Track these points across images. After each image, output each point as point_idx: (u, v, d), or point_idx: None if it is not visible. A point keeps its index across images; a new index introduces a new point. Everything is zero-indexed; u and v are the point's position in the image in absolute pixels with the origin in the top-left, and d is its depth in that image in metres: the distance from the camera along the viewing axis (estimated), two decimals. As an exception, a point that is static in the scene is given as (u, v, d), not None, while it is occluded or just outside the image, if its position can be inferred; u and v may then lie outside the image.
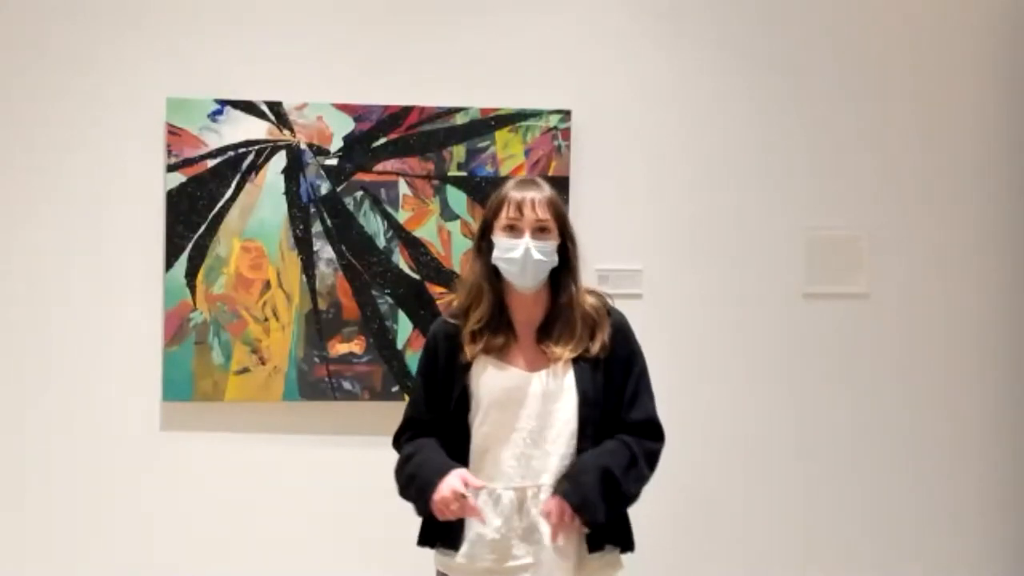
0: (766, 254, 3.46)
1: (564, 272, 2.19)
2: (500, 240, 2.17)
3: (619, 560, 2.22)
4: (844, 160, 3.48)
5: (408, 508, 3.33)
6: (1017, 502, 3.56)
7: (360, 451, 3.29)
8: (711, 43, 3.45)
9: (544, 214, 2.16)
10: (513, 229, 2.16)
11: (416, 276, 3.28)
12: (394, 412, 3.29)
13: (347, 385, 3.25)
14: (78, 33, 3.21)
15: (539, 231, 2.15)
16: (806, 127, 3.47)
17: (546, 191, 2.19)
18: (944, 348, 3.52)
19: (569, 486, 2.11)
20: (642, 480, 2.17)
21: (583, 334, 2.17)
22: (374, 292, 3.26)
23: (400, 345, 3.26)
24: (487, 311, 2.19)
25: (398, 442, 2.33)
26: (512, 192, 2.18)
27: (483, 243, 2.21)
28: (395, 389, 3.26)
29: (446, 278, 3.28)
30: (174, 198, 3.19)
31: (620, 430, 2.18)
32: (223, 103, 3.20)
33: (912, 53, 3.52)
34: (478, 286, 2.20)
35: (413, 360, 3.26)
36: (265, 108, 3.22)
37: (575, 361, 2.17)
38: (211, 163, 3.20)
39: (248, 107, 3.21)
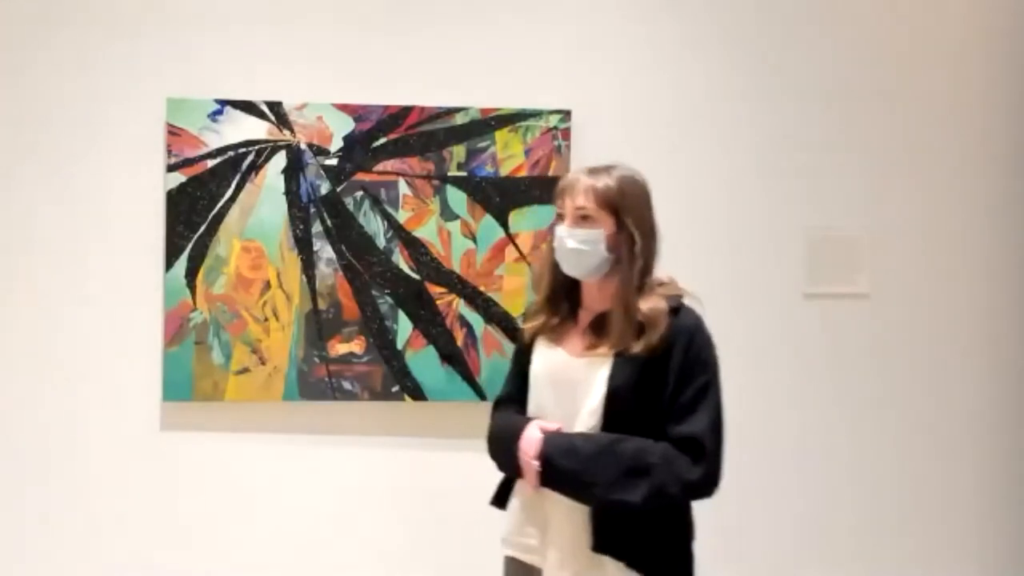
0: (766, 254, 3.46)
1: (620, 266, 2.15)
2: (555, 228, 2.21)
3: None
4: (844, 160, 3.49)
5: (406, 509, 3.35)
6: (1018, 502, 3.55)
7: (360, 451, 3.29)
8: (711, 43, 3.45)
9: (585, 202, 2.13)
10: (561, 217, 2.19)
11: (416, 276, 3.28)
12: (394, 412, 3.32)
13: (347, 385, 3.25)
14: (78, 33, 3.21)
15: (580, 219, 2.14)
16: (806, 127, 3.47)
17: (600, 180, 2.14)
18: (944, 348, 3.52)
19: (559, 437, 2.13)
20: (657, 494, 2.04)
21: (627, 331, 2.11)
22: (374, 292, 3.26)
23: (400, 345, 3.26)
24: (548, 295, 2.24)
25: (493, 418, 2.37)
26: (563, 178, 2.23)
27: (551, 229, 2.25)
28: (395, 389, 3.26)
29: (446, 278, 3.28)
30: (174, 198, 3.19)
31: (665, 440, 2.08)
32: (223, 103, 3.21)
33: (913, 52, 3.52)
34: (541, 270, 2.29)
35: (413, 360, 3.26)
36: (265, 108, 3.22)
37: (619, 356, 2.12)
38: (211, 163, 3.20)
39: (248, 107, 3.21)
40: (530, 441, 2.14)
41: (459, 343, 3.28)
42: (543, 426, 2.16)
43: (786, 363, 3.46)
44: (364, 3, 3.32)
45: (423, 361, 3.26)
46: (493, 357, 3.27)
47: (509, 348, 3.26)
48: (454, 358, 3.27)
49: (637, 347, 2.09)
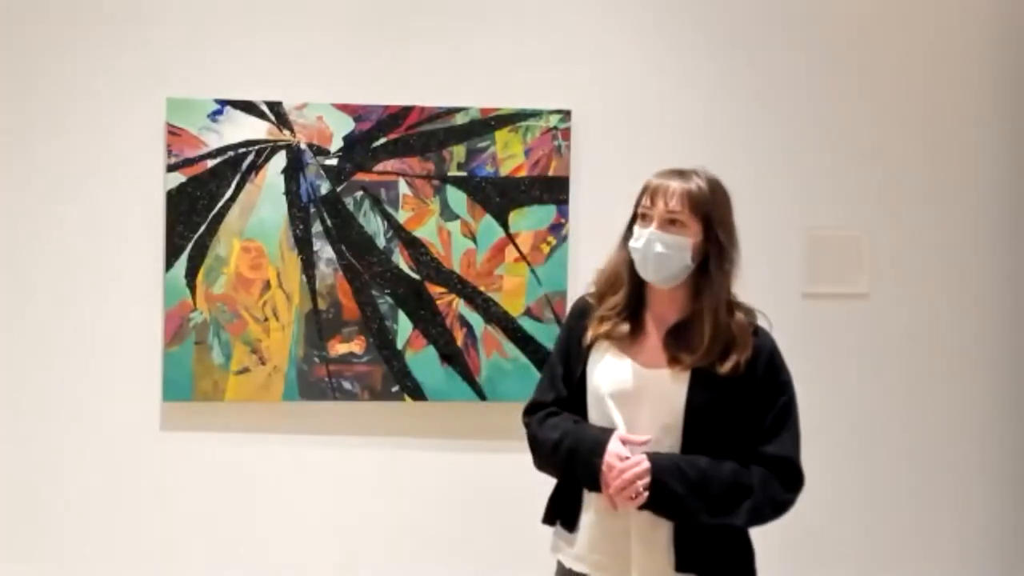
0: (766, 254, 3.45)
1: (706, 276, 2.08)
2: (635, 228, 2.11)
3: None
4: (844, 160, 3.49)
5: (406, 509, 3.35)
6: (1018, 502, 3.56)
7: (360, 451, 3.29)
8: (711, 43, 3.45)
9: (678, 206, 2.06)
10: (645, 218, 2.10)
11: (416, 276, 3.28)
12: (394, 412, 3.32)
13: (347, 385, 3.25)
14: (78, 33, 3.21)
15: (669, 223, 2.07)
16: (806, 127, 3.47)
17: (692, 183, 2.08)
18: (944, 348, 3.52)
19: (662, 457, 2.01)
20: (756, 516, 2.04)
21: (714, 347, 2.05)
22: (374, 292, 3.26)
23: (400, 345, 3.26)
24: (622, 300, 2.12)
25: (529, 416, 2.23)
26: (654, 180, 2.12)
27: (628, 231, 2.14)
28: (395, 389, 3.26)
29: (446, 278, 3.28)
30: (174, 198, 3.19)
31: (752, 460, 2.06)
32: (223, 103, 3.21)
33: (912, 52, 3.52)
34: (616, 273, 2.15)
35: (413, 360, 3.26)
36: (265, 108, 3.22)
37: (698, 372, 2.05)
38: (211, 163, 3.20)
39: (248, 107, 3.21)
40: (620, 457, 2.00)
41: (459, 343, 3.28)
42: (627, 438, 2.04)
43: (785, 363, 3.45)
44: (364, 3, 3.32)
45: (423, 361, 3.26)
46: (493, 357, 3.27)
47: (509, 348, 3.27)
48: (454, 358, 3.27)
49: (725, 366, 2.04)
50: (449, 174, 3.29)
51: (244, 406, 3.23)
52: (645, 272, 2.09)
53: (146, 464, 3.22)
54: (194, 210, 3.19)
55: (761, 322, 2.17)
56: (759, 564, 3.43)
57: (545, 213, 3.30)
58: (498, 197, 3.29)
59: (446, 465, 3.29)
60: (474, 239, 3.29)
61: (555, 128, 3.32)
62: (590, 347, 2.15)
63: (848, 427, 3.48)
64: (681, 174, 2.12)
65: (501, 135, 3.30)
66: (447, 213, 3.28)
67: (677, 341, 2.09)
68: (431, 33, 3.33)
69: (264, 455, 3.26)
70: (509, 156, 3.31)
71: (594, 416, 2.14)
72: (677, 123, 3.42)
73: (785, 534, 3.45)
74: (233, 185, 3.20)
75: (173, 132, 3.19)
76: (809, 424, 3.45)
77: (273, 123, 3.22)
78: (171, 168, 3.19)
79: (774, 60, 3.46)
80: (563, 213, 3.31)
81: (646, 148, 3.41)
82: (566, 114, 3.32)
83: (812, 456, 3.45)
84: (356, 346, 3.25)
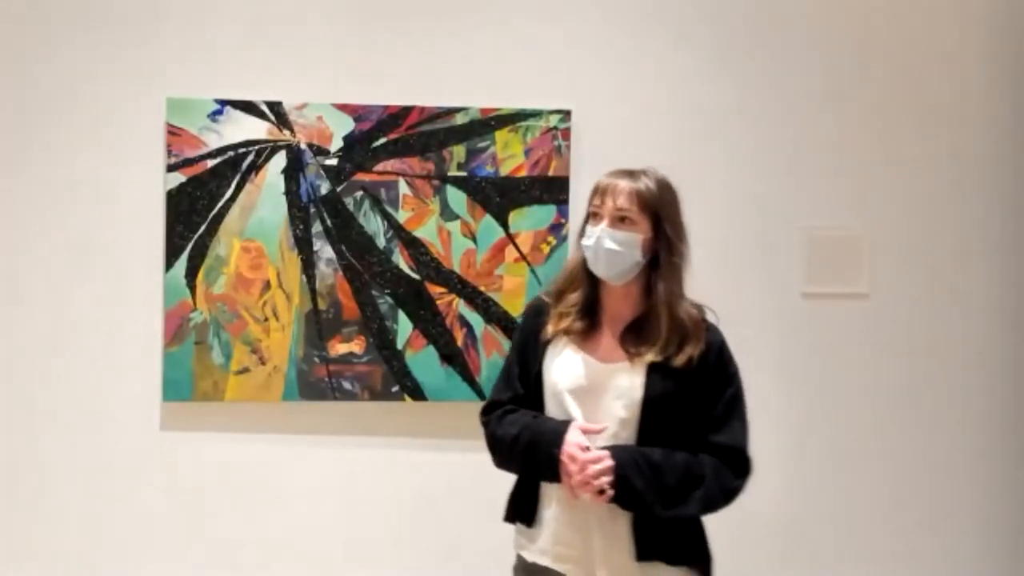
0: (765, 254, 3.46)
1: (657, 272, 2.14)
2: (587, 227, 2.17)
3: None
4: (844, 160, 3.48)
5: (406, 508, 3.35)
6: (1018, 502, 3.56)
7: (360, 451, 3.30)
8: (711, 43, 3.45)
9: (627, 204, 2.13)
10: (596, 216, 2.16)
11: (416, 276, 3.28)
12: (394, 412, 3.32)
13: (347, 385, 3.25)
14: (78, 33, 3.21)
15: (619, 220, 2.13)
16: (806, 126, 3.47)
17: (641, 182, 2.15)
18: (944, 348, 3.52)
19: (623, 451, 2.06)
20: (708, 504, 2.11)
21: (670, 341, 2.12)
22: (374, 292, 3.26)
23: (400, 345, 3.26)
24: (579, 298, 2.18)
25: (487, 415, 2.27)
26: (604, 179, 2.18)
27: (584, 231, 2.21)
28: (395, 389, 3.26)
29: (446, 278, 3.28)
30: (174, 198, 3.19)
31: (702, 451, 2.13)
32: (223, 103, 3.21)
33: (913, 52, 3.52)
34: (573, 272, 2.21)
35: (413, 360, 3.26)
36: (265, 108, 3.22)
37: (653, 366, 2.11)
38: (211, 163, 3.20)
39: (248, 107, 3.21)
40: (581, 447, 2.05)
41: (459, 343, 3.28)
42: (583, 426, 2.09)
43: (785, 363, 3.46)
44: (364, 3, 3.32)
45: (423, 361, 3.26)
46: (493, 357, 3.27)
47: (509, 348, 3.26)
48: (454, 358, 3.27)
49: (679, 359, 2.11)
50: (449, 174, 3.29)
51: (244, 406, 3.23)
52: (597, 268, 2.15)
53: (146, 464, 3.22)
54: (194, 210, 3.19)
55: (709, 317, 2.23)
56: (759, 563, 3.44)
57: (545, 213, 3.30)
58: (498, 197, 3.29)
59: (446, 465, 3.30)
60: (474, 239, 3.29)
61: (555, 128, 3.32)
62: (548, 344, 2.20)
63: (848, 427, 3.48)
64: (630, 174, 2.18)
65: (501, 135, 3.30)
66: (447, 213, 3.28)
67: (634, 336, 2.15)
68: (431, 33, 3.33)
69: (264, 455, 3.26)
70: (509, 156, 3.31)
71: (552, 412, 2.18)
72: (677, 123, 3.42)
73: (783, 533, 3.46)
74: (233, 185, 3.21)
75: (173, 132, 3.19)
76: (809, 424, 3.47)
77: (273, 123, 3.22)
78: (171, 168, 3.19)
79: (774, 60, 3.46)
80: (563, 213, 3.31)
81: (646, 148, 3.39)
82: (566, 114, 3.32)
83: (811, 455, 3.47)
84: (356, 346, 3.25)
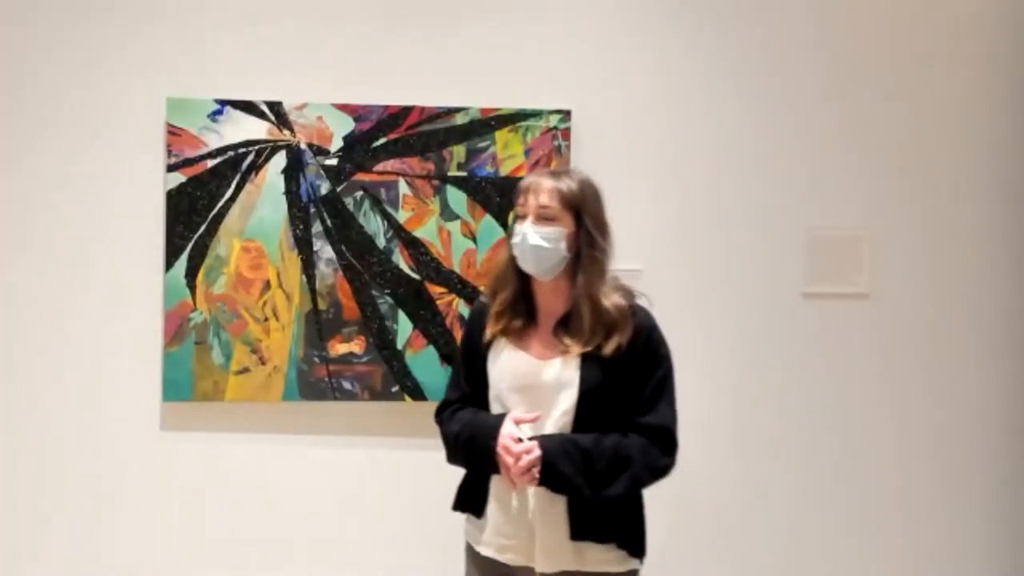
0: (766, 254, 3.46)
1: (579, 265, 2.22)
2: (514, 227, 2.25)
3: (624, 559, 2.24)
4: (845, 160, 3.49)
5: (406, 508, 3.35)
6: (1018, 502, 3.56)
7: (360, 451, 3.30)
8: (712, 43, 3.45)
9: (548, 201, 2.21)
10: (520, 216, 2.25)
11: (416, 276, 3.28)
12: (394, 412, 3.32)
13: (347, 385, 3.25)
14: (78, 33, 3.21)
15: (542, 218, 2.21)
16: (806, 127, 3.47)
17: (562, 182, 2.23)
18: (944, 348, 3.52)
19: (551, 441, 2.16)
20: (634, 483, 2.19)
21: (597, 331, 2.20)
22: (374, 292, 3.26)
23: (400, 345, 3.26)
24: (509, 295, 2.27)
25: (440, 415, 2.40)
26: (527, 179, 2.27)
27: (511, 232, 2.28)
28: (395, 389, 3.26)
29: (446, 278, 3.28)
30: (174, 198, 3.19)
31: (632, 430, 2.21)
32: (223, 103, 3.21)
33: (913, 52, 3.52)
34: (503, 271, 2.30)
35: (413, 360, 3.26)
36: (265, 108, 3.22)
37: (586, 356, 2.20)
38: (211, 163, 3.20)
39: (248, 107, 3.22)
40: (514, 438, 2.16)
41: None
42: (517, 417, 2.19)
43: (785, 363, 3.46)
44: (364, 3, 3.32)
45: (423, 361, 3.26)
46: (493, 357, 3.27)
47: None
48: (454, 358, 3.27)
49: (608, 347, 2.19)
50: (449, 174, 3.29)
51: (244, 406, 3.23)
52: (526, 265, 2.23)
53: (146, 464, 3.22)
54: (194, 210, 3.19)
55: (641, 301, 2.30)
56: (760, 563, 3.44)
57: (545, 213, 3.30)
58: (498, 197, 3.29)
59: (446, 465, 3.29)
60: (474, 239, 3.29)
61: (555, 128, 3.32)
62: (489, 345, 2.29)
63: (848, 427, 3.48)
64: (553, 174, 2.27)
65: (501, 135, 3.30)
66: (447, 213, 3.28)
67: (564, 330, 2.23)
68: (431, 33, 3.33)
69: (264, 455, 3.26)
70: (509, 156, 3.31)
71: (496, 409, 2.28)
72: (677, 123, 3.42)
73: (784, 533, 3.46)
74: (233, 185, 3.21)
75: (173, 132, 3.19)
76: (808, 423, 3.47)
77: (273, 123, 3.22)
78: (171, 168, 3.19)
79: (774, 61, 3.46)
80: (563, 213, 3.31)
81: (646, 148, 3.41)
82: (566, 114, 3.32)
83: (812, 455, 3.47)
84: (356, 346, 3.25)
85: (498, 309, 2.28)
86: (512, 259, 2.27)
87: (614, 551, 2.23)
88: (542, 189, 2.22)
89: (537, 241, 2.19)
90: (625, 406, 2.21)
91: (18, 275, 3.19)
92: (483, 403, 2.32)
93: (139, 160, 3.21)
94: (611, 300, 2.22)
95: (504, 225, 3.29)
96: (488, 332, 2.29)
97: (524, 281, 2.28)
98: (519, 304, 2.28)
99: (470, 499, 2.35)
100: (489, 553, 2.29)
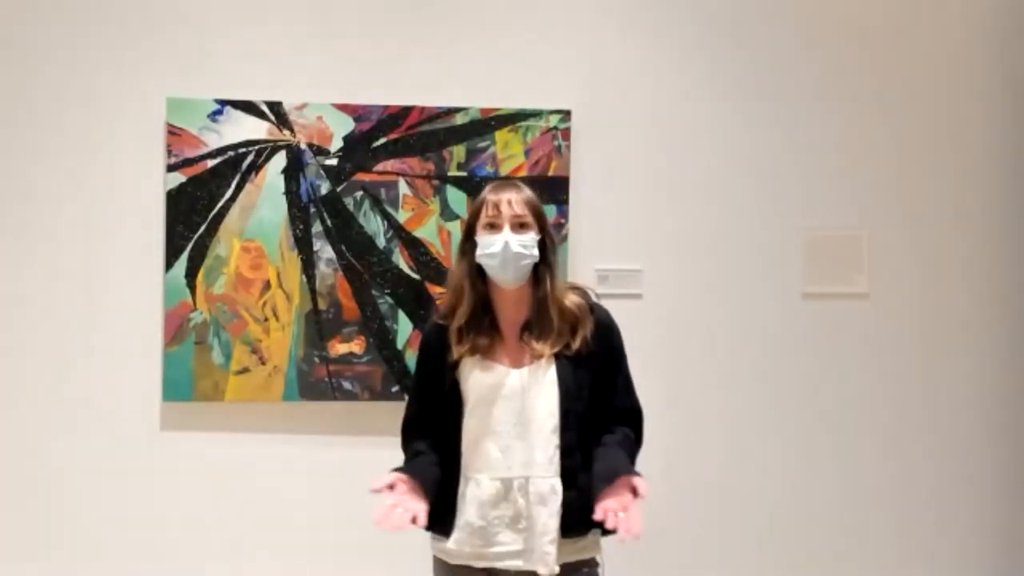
0: (766, 254, 3.46)
1: (541, 269, 2.28)
2: (482, 238, 2.26)
3: (598, 543, 2.30)
4: (844, 160, 3.49)
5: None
6: (1018, 502, 3.56)
7: (360, 451, 3.29)
8: (711, 44, 3.45)
9: (522, 210, 2.26)
10: (493, 226, 2.26)
11: (416, 276, 3.28)
12: (394, 412, 3.29)
13: (347, 385, 3.25)
14: (78, 33, 3.21)
15: (518, 226, 2.25)
16: (805, 127, 3.47)
17: (524, 191, 2.30)
18: (944, 348, 3.52)
19: (617, 469, 2.17)
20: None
21: (563, 330, 2.26)
22: (374, 292, 3.26)
23: (400, 345, 3.26)
24: (469, 309, 2.28)
25: (405, 441, 2.43)
26: (489, 195, 2.30)
27: (467, 244, 2.30)
28: (395, 389, 3.26)
29: (446, 278, 3.28)
30: (174, 198, 3.19)
31: (608, 418, 2.28)
32: (223, 103, 3.21)
33: (912, 53, 3.52)
34: (461, 286, 2.30)
35: (413, 360, 3.25)
36: (265, 108, 3.22)
37: (557, 357, 2.25)
38: (211, 163, 3.20)
39: (248, 107, 3.22)
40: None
41: (459, 343, 3.27)
42: (375, 486, 2.30)
43: (785, 363, 3.46)
44: (364, 3, 3.32)
45: (423, 361, 3.26)
46: (493, 357, 3.27)
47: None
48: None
49: (576, 344, 2.25)
50: (449, 174, 3.29)
51: (244, 406, 3.23)
52: (504, 273, 2.25)
53: (146, 464, 3.22)
54: (194, 210, 3.19)
55: (592, 297, 2.36)
56: (760, 563, 3.44)
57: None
58: (498, 197, 3.29)
59: (446, 465, 3.29)
60: (474, 239, 3.29)
61: (555, 128, 3.32)
62: (456, 365, 2.29)
63: (848, 426, 3.47)
64: (513, 185, 2.33)
65: (501, 135, 3.30)
66: (447, 213, 3.28)
67: (531, 335, 2.27)
68: (431, 33, 3.33)
69: (264, 455, 3.26)
70: (509, 156, 3.31)
71: (473, 424, 2.27)
72: (677, 123, 3.42)
73: (785, 533, 3.46)
74: (233, 185, 3.21)
75: (173, 132, 3.19)
76: (808, 423, 3.47)
77: (273, 123, 3.22)
78: (171, 168, 3.19)
79: (774, 60, 3.46)
80: (563, 213, 3.31)
81: (646, 148, 3.41)
82: (566, 114, 3.32)
83: (812, 455, 3.47)
84: (356, 346, 3.25)
85: (459, 325, 2.27)
86: (469, 274, 2.28)
87: (596, 535, 2.28)
88: (514, 200, 2.26)
89: (519, 249, 2.22)
90: (599, 397, 2.28)
91: (19, 275, 3.19)
92: (440, 425, 2.30)
93: (139, 160, 3.21)
94: (571, 300, 2.28)
95: (504, 225, 3.28)
96: (455, 353, 2.27)
97: (482, 294, 2.29)
98: (480, 317, 2.28)
99: (437, 517, 2.30)
100: (485, 564, 2.27)
